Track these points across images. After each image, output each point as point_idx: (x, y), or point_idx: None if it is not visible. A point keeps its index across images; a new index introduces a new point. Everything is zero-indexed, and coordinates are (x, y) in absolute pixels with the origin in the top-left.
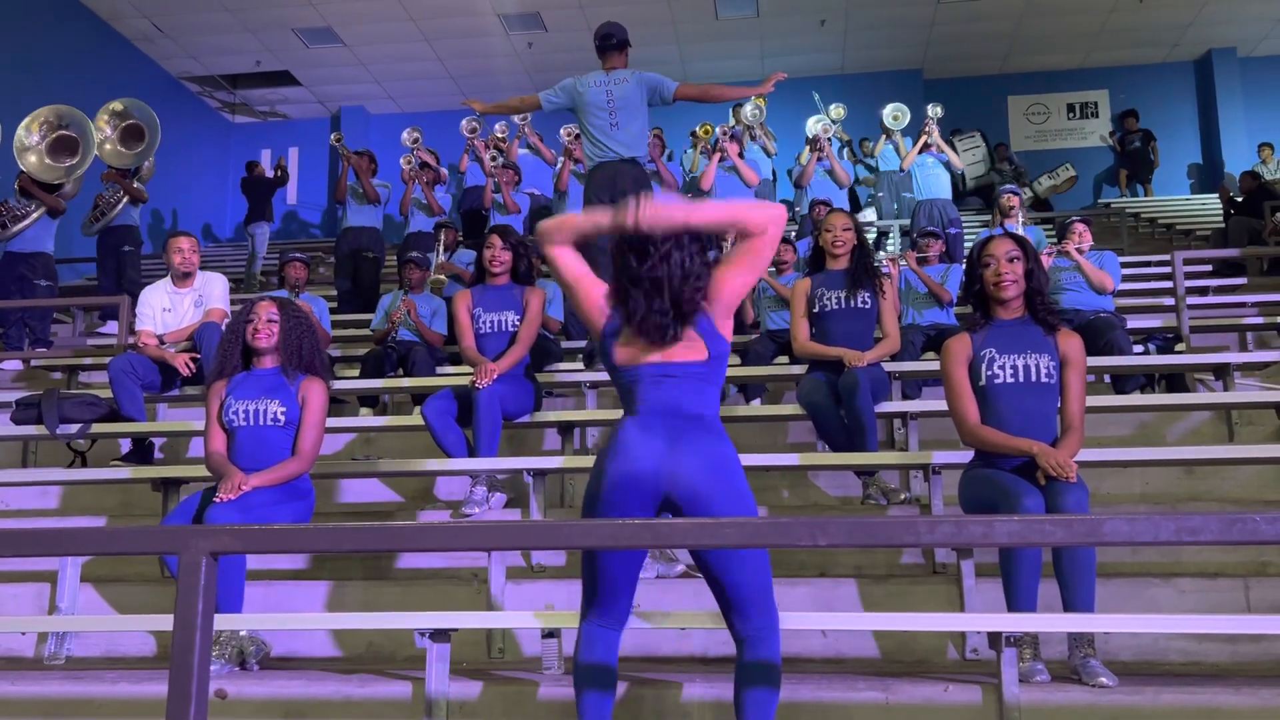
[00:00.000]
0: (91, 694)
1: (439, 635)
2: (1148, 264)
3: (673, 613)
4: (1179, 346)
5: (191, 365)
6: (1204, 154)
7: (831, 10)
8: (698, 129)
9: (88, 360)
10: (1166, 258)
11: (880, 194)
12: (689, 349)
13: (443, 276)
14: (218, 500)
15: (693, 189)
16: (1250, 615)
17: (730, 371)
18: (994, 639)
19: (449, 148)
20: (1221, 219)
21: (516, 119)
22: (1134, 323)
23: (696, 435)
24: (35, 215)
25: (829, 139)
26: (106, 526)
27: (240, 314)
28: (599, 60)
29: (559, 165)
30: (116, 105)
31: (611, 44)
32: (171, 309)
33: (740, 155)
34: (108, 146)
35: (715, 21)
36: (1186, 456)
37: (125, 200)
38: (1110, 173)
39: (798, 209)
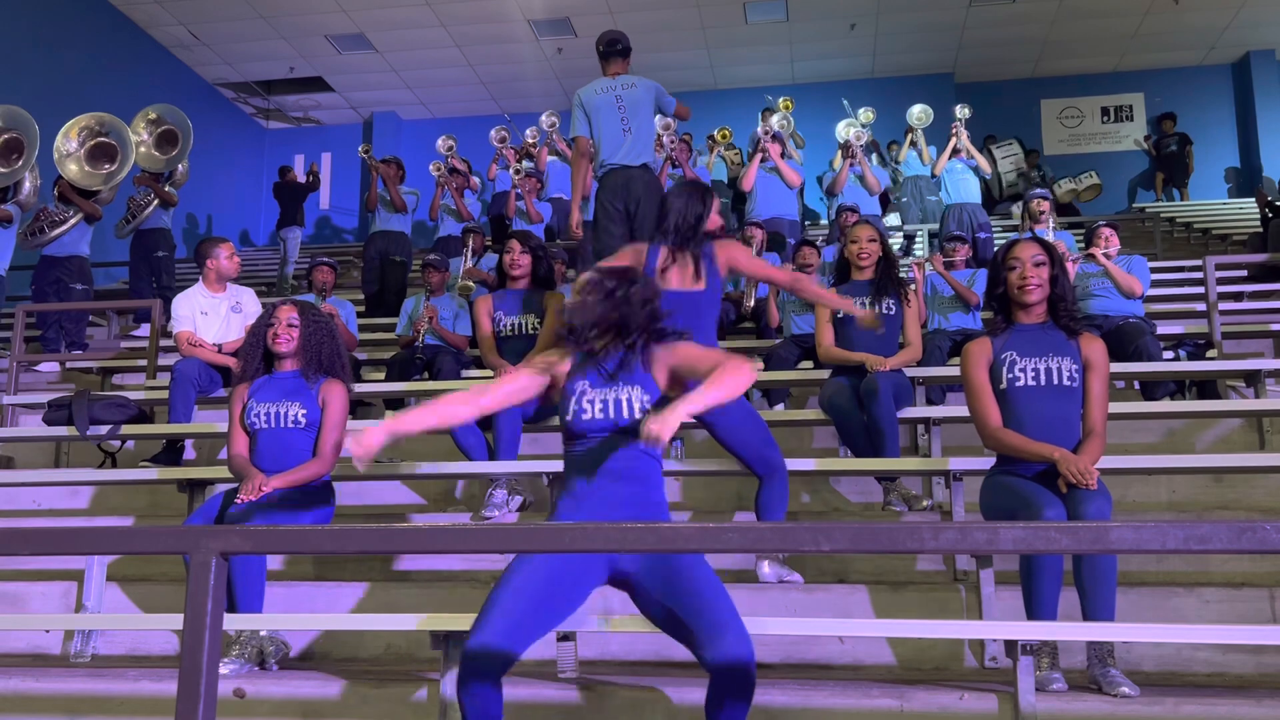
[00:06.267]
0: (113, 691)
1: (454, 638)
2: (1180, 269)
3: None
4: (1210, 353)
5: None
6: (1242, 158)
7: (861, 14)
8: (715, 133)
9: (122, 363)
10: (1199, 263)
11: (904, 199)
12: None
13: (470, 282)
14: (238, 501)
15: (733, 189)
16: (1276, 626)
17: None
18: (1010, 647)
19: (479, 151)
20: (1259, 223)
21: (545, 125)
22: (1165, 328)
23: None
24: (73, 221)
25: (860, 145)
26: (120, 526)
27: (261, 318)
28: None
29: None
30: (151, 113)
31: (617, 50)
32: (208, 313)
33: (782, 156)
34: (143, 150)
35: (745, 26)
36: (1215, 464)
37: (155, 203)
38: (1145, 177)
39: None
